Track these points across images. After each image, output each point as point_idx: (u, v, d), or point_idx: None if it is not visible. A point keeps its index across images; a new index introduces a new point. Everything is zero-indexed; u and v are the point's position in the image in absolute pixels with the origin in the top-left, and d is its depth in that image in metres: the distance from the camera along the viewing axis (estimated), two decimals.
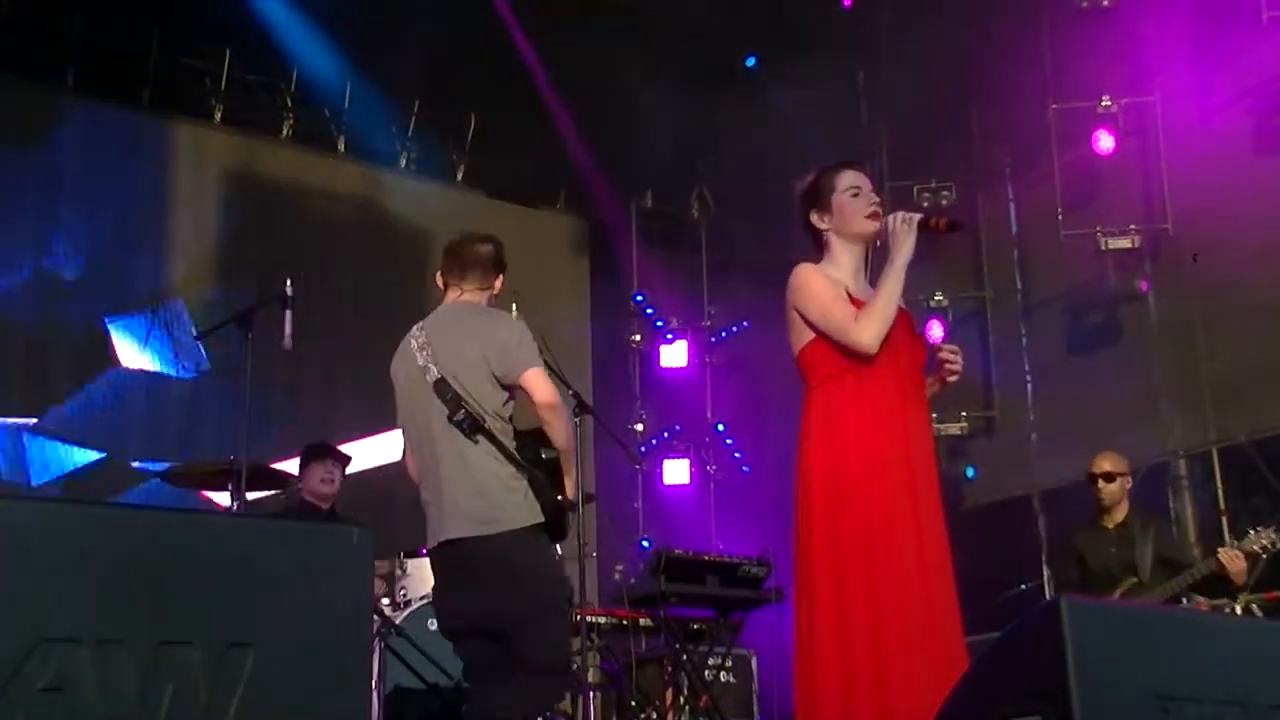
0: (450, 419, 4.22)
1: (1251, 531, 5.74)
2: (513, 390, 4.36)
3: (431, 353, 4.33)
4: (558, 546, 4.63)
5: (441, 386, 4.25)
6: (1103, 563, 6.11)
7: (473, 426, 4.21)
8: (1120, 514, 6.21)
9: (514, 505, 4.21)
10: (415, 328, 4.49)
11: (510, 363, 4.33)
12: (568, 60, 9.40)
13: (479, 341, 4.35)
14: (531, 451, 4.33)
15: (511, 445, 4.30)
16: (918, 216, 3.74)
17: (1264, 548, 5.68)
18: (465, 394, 4.24)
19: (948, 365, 3.84)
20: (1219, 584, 5.82)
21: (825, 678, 3.48)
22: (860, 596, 3.47)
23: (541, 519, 4.25)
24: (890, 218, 3.76)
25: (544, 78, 9.64)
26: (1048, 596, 8.11)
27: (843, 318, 3.67)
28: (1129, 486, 6.29)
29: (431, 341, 4.37)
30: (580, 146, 10.35)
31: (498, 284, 4.62)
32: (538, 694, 4.21)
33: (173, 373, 8.82)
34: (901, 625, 3.43)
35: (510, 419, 4.39)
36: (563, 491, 4.37)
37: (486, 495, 4.19)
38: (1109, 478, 6.20)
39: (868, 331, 3.63)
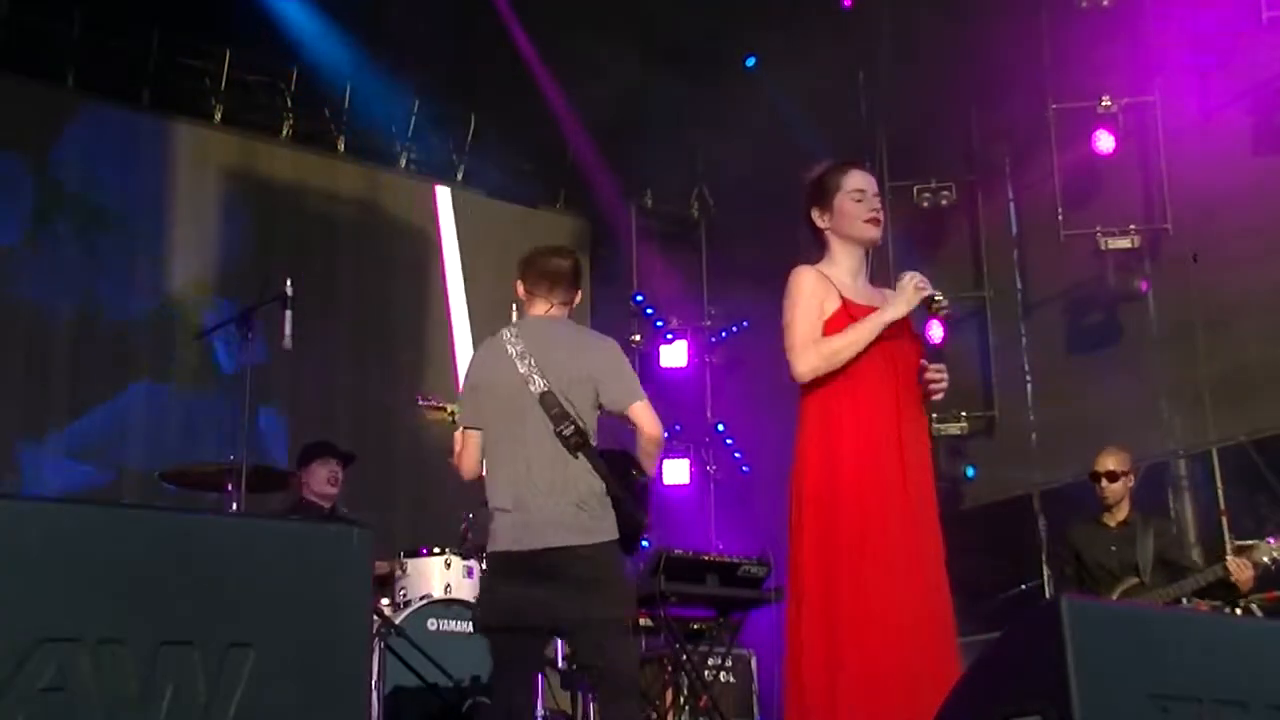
0: (558, 433, 4.24)
1: (1263, 542, 5.73)
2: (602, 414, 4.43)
3: (534, 363, 4.32)
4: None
5: (549, 399, 4.27)
6: (1102, 561, 6.08)
7: (579, 443, 4.26)
8: (1122, 512, 6.17)
9: (606, 519, 4.27)
10: (506, 333, 4.45)
11: (617, 392, 4.39)
12: (568, 60, 9.40)
13: (586, 363, 4.39)
14: (622, 471, 4.38)
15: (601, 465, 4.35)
16: (928, 291, 3.72)
17: (1274, 560, 5.67)
18: (573, 410, 4.28)
19: (932, 386, 3.81)
20: (1224, 590, 5.81)
21: (812, 680, 3.49)
22: (848, 602, 3.48)
23: (617, 535, 4.30)
24: (907, 275, 3.76)
25: (544, 77, 9.64)
26: (1048, 596, 8.12)
27: (800, 335, 3.70)
28: (1132, 485, 6.25)
29: (532, 352, 4.35)
30: (580, 146, 10.37)
31: (578, 298, 4.66)
32: (624, 700, 4.30)
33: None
34: (888, 634, 3.43)
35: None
36: (647, 514, 4.45)
37: (586, 508, 4.24)
38: (1113, 476, 6.16)
39: (805, 363, 3.68)
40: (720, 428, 10.53)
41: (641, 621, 6.59)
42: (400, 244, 10.15)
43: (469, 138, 10.44)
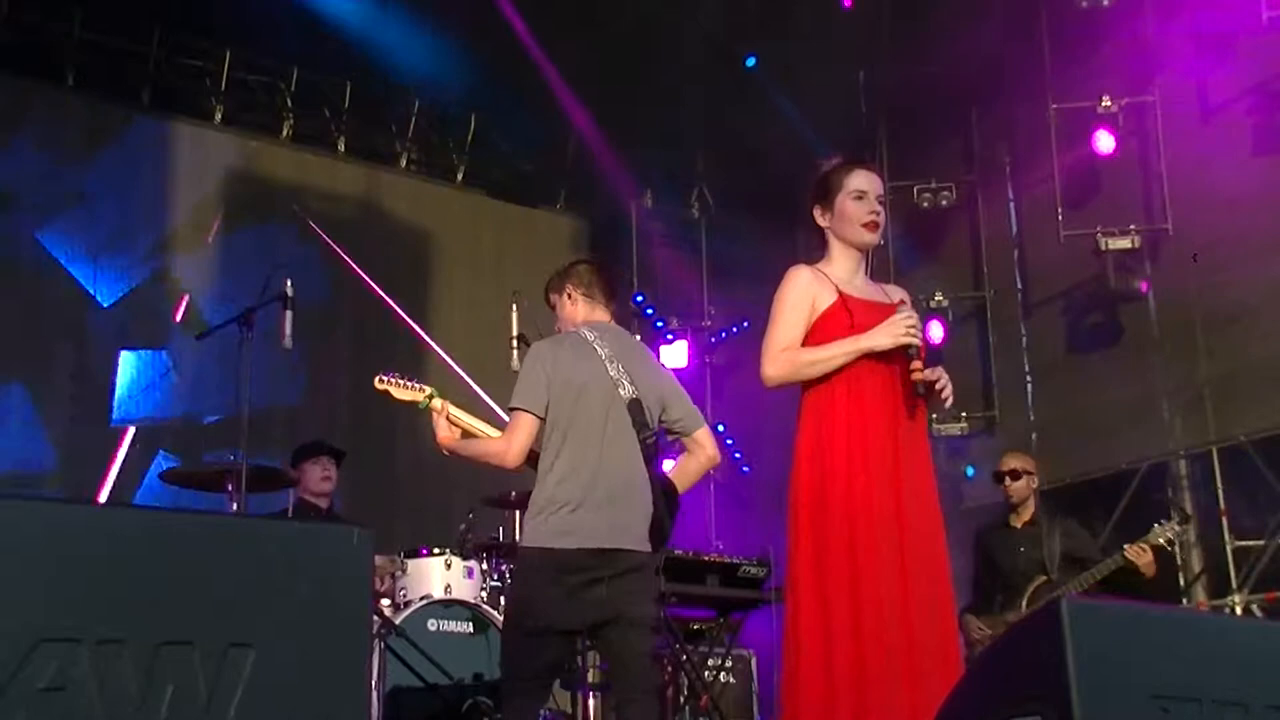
0: (642, 440, 4.32)
1: (1155, 525, 5.85)
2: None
3: (622, 369, 4.36)
4: None
5: (636, 407, 4.33)
6: (1013, 563, 6.12)
7: (653, 454, 4.36)
8: (1027, 513, 6.27)
9: (648, 530, 4.34)
10: (588, 332, 4.45)
11: (686, 413, 4.52)
12: (568, 60, 9.40)
13: (660, 381, 4.51)
14: (668, 490, 4.45)
15: None
16: (914, 342, 3.64)
17: (1168, 540, 5.81)
18: (651, 420, 4.38)
19: (943, 394, 3.71)
20: (1129, 578, 5.85)
21: (809, 685, 3.49)
22: (844, 603, 3.48)
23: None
24: (904, 311, 3.69)
25: (545, 77, 9.64)
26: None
27: (776, 340, 3.73)
28: (1035, 485, 6.36)
29: (618, 358, 4.39)
30: (585, 144, 10.36)
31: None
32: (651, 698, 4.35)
33: None
34: (883, 647, 3.43)
35: None
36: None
37: (648, 518, 4.30)
38: (1015, 475, 6.27)
39: (774, 368, 3.72)
40: (720, 428, 10.52)
41: None
42: (400, 244, 10.15)
43: (469, 138, 10.44)
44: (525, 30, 9.27)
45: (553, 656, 4.23)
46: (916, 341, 3.66)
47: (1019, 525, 6.25)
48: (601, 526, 4.17)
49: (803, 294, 3.75)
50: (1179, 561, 6.80)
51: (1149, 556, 5.78)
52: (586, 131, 10.18)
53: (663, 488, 4.39)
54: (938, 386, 3.69)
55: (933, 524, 3.64)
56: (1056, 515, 6.36)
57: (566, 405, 4.30)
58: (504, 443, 4.34)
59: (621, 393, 4.31)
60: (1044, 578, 5.99)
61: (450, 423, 4.78)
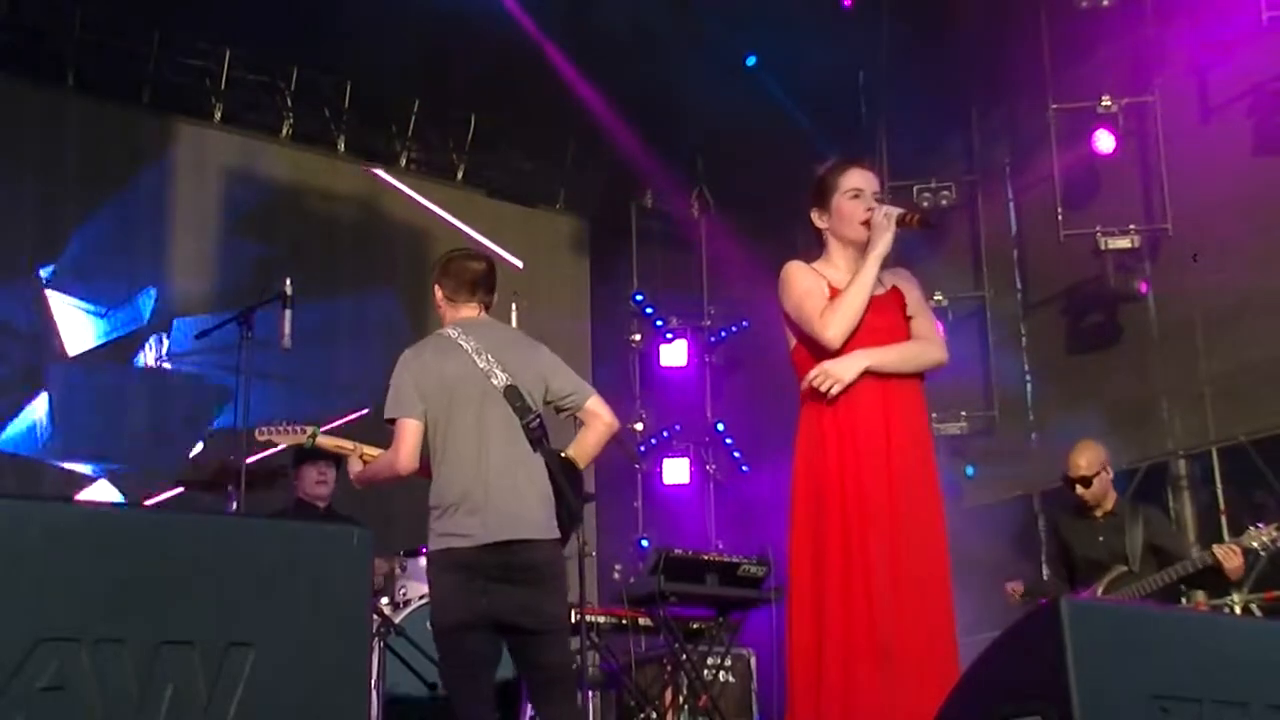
0: (525, 425, 4.29)
1: (1251, 528, 5.63)
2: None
3: (491, 359, 4.35)
4: None
5: (513, 393, 4.30)
6: (1089, 553, 5.99)
7: (540, 436, 4.32)
8: (1109, 503, 6.06)
9: (553, 516, 4.31)
10: (452, 330, 4.44)
11: (572, 386, 4.49)
12: (569, 60, 9.41)
13: (536, 361, 4.47)
14: (568, 468, 4.41)
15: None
16: (897, 212, 3.74)
17: (1263, 545, 5.57)
18: (533, 404, 4.34)
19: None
20: (1214, 578, 5.75)
21: (802, 679, 3.52)
22: (836, 599, 3.49)
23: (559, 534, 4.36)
24: (875, 211, 3.77)
25: (545, 77, 9.63)
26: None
27: (812, 311, 3.70)
28: (1110, 478, 6.11)
29: (486, 349, 4.37)
30: (584, 144, 10.35)
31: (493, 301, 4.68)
32: (572, 701, 4.36)
33: None
34: (871, 635, 3.43)
35: None
36: (582, 508, 4.49)
37: (546, 503, 4.28)
38: (1085, 482, 6.00)
39: (832, 325, 3.66)
40: (720, 427, 10.52)
41: (641, 621, 6.60)
42: (400, 243, 10.15)
43: (469, 137, 10.44)
44: (524, 29, 9.26)
45: (474, 648, 4.23)
46: (899, 210, 3.76)
47: (1099, 516, 6.02)
48: (493, 520, 4.19)
49: (809, 275, 3.78)
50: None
51: (1238, 560, 5.53)
52: (587, 130, 10.17)
53: (561, 467, 4.35)
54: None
55: (930, 519, 3.64)
56: (1140, 506, 6.15)
57: (441, 406, 4.33)
58: (391, 453, 4.37)
59: (494, 382, 4.30)
60: (1124, 568, 5.83)
61: (360, 458, 4.77)
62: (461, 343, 4.38)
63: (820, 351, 3.70)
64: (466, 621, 4.17)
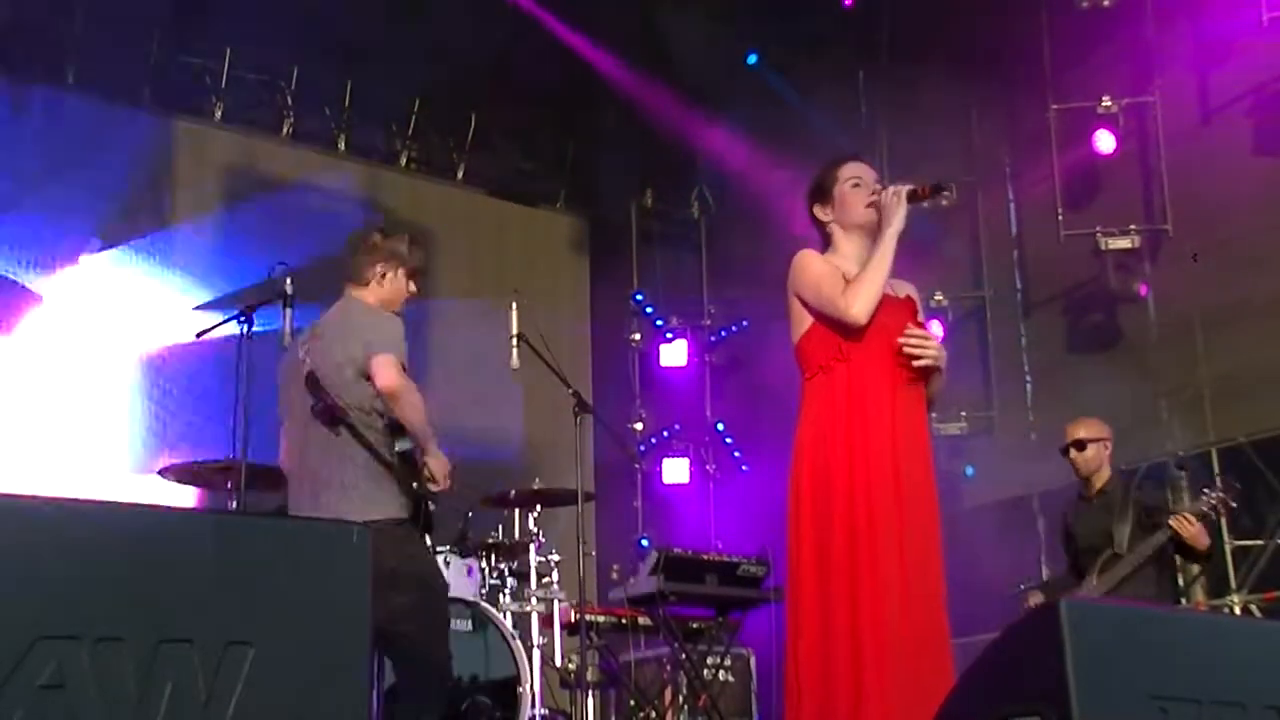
0: (312, 409, 4.32)
1: (1203, 493, 5.73)
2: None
3: (309, 348, 4.44)
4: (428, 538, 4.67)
5: (311, 379, 4.35)
6: (1087, 537, 6.01)
7: (332, 419, 4.29)
8: (1100, 481, 6.07)
9: (378, 498, 4.26)
10: (310, 323, 4.59)
11: (364, 351, 4.40)
12: (568, 59, 9.40)
13: (345, 339, 4.46)
14: (389, 443, 4.36)
15: (378, 438, 4.34)
16: (906, 188, 3.76)
17: (1211, 507, 5.66)
18: (333, 387, 4.32)
19: (912, 351, 3.72)
20: (1185, 553, 5.79)
21: (809, 674, 3.50)
22: (844, 599, 3.49)
23: (405, 514, 4.27)
24: (883, 192, 3.78)
25: (545, 77, 9.63)
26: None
27: (833, 291, 3.70)
28: (1108, 454, 6.14)
29: (311, 336, 4.52)
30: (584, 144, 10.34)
31: (385, 278, 4.61)
32: (426, 698, 4.29)
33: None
34: (881, 633, 3.44)
35: (381, 413, 4.41)
36: (419, 480, 4.37)
37: (352, 487, 4.26)
38: (1080, 445, 6.06)
39: (856, 303, 3.66)
40: (720, 427, 10.52)
41: (640, 620, 6.60)
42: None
43: (469, 136, 10.44)
44: (523, 28, 9.25)
45: None
46: (911, 185, 3.76)
47: (1090, 495, 6.08)
48: (305, 508, 4.25)
49: (824, 261, 3.78)
50: (1178, 562, 6.75)
51: (1195, 527, 5.59)
52: (587, 130, 10.16)
53: (397, 451, 4.34)
54: (913, 351, 3.71)
55: (930, 517, 3.66)
56: (1132, 483, 6.24)
57: (282, 404, 4.52)
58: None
59: (303, 370, 4.37)
60: (1111, 550, 5.84)
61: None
62: (302, 333, 4.59)
63: (838, 334, 3.69)
64: None
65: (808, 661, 3.51)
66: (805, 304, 3.77)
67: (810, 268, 3.78)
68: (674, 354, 10.56)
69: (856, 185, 3.84)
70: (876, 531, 3.51)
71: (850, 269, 3.78)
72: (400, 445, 4.37)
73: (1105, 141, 8.55)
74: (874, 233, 3.81)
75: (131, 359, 8.85)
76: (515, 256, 10.43)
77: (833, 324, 3.71)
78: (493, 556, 6.29)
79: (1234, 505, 5.74)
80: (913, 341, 3.71)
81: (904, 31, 8.97)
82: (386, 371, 4.34)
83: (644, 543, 9.87)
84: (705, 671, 6.50)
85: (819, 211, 3.90)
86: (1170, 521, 5.66)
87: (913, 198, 3.74)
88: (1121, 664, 2.30)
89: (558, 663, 6.43)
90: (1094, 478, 6.10)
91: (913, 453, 3.66)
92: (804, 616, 3.55)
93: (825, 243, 3.91)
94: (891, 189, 3.77)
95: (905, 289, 3.92)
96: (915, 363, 3.72)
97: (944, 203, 3.79)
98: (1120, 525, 5.85)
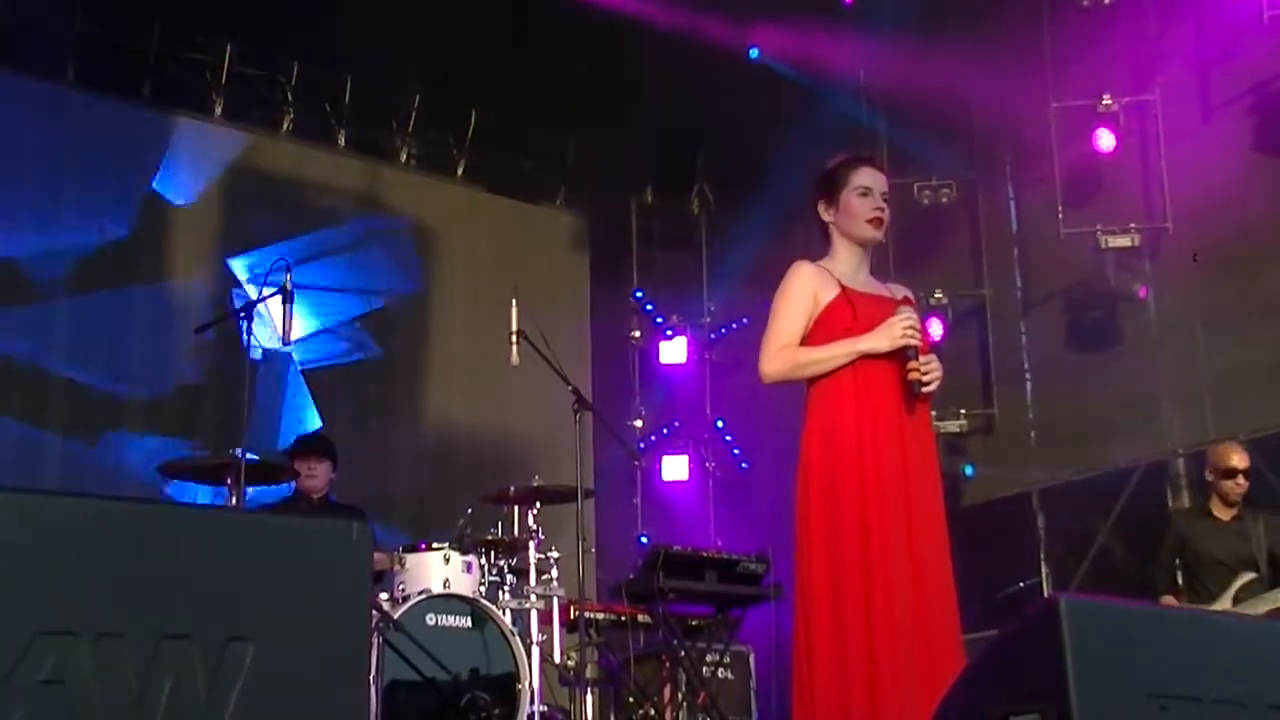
0: None
1: None
2: None
3: None
4: None
5: None
6: (1215, 553, 6.01)
7: None
8: (1237, 507, 6.16)
9: None
10: None
11: None
12: (569, 58, 9.41)
13: None
14: None
15: None
16: (912, 342, 3.65)
17: None
18: None
19: (923, 379, 3.69)
20: None
21: (823, 675, 3.49)
22: (857, 596, 3.49)
23: None
24: (903, 312, 3.71)
25: (546, 78, 9.63)
26: (1046, 594, 8.11)
27: (776, 336, 3.73)
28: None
29: None
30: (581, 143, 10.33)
31: None
32: None
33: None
34: (894, 630, 3.44)
35: None
36: None
37: None
38: (1248, 474, 6.15)
39: (772, 366, 3.74)
40: (719, 424, 10.53)
41: (640, 618, 6.60)
42: (400, 239, 10.15)
43: (470, 133, 10.44)
44: (524, 29, 9.24)
45: None
46: (915, 342, 3.67)
47: (1226, 518, 6.14)
48: None
49: (804, 290, 3.76)
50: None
51: None
52: (587, 130, 10.13)
53: None
54: (925, 378, 3.68)
55: (937, 511, 3.68)
56: (1260, 511, 6.24)
57: None
58: None
59: None
60: (1254, 574, 5.89)
61: None
62: None
63: (842, 339, 3.69)
64: None
65: (822, 659, 3.50)
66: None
67: (787, 291, 3.77)
68: (674, 351, 10.57)
69: (864, 194, 3.81)
70: (888, 528, 3.52)
71: (847, 274, 3.79)
72: None
73: (1105, 140, 8.55)
74: (869, 246, 3.82)
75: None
76: (515, 254, 10.42)
77: (836, 330, 3.71)
78: (492, 553, 6.29)
79: None
80: (925, 369, 3.68)
81: (904, 30, 8.96)
82: None
83: (643, 539, 9.88)
84: (704, 669, 6.50)
85: (822, 208, 3.89)
86: None
87: (902, 351, 3.65)
88: (1121, 663, 2.30)
89: (557, 659, 6.43)
90: (1238, 505, 6.18)
91: (920, 451, 3.67)
92: (816, 615, 3.54)
93: (825, 238, 3.90)
94: (907, 321, 3.67)
95: (902, 291, 3.92)
96: (924, 389, 3.69)
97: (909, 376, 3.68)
98: (1259, 551, 5.95)
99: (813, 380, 3.74)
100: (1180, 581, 6.13)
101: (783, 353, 3.70)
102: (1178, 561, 6.18)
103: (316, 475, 6.70)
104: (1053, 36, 8.83)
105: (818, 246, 3.91)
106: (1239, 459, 6.21)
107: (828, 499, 3.60)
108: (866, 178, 3.83)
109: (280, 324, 5.63)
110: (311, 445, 6.87)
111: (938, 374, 3.74)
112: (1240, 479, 6.15)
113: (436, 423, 9.89)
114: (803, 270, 3.80)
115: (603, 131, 10.03)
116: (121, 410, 8.69)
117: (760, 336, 3.85)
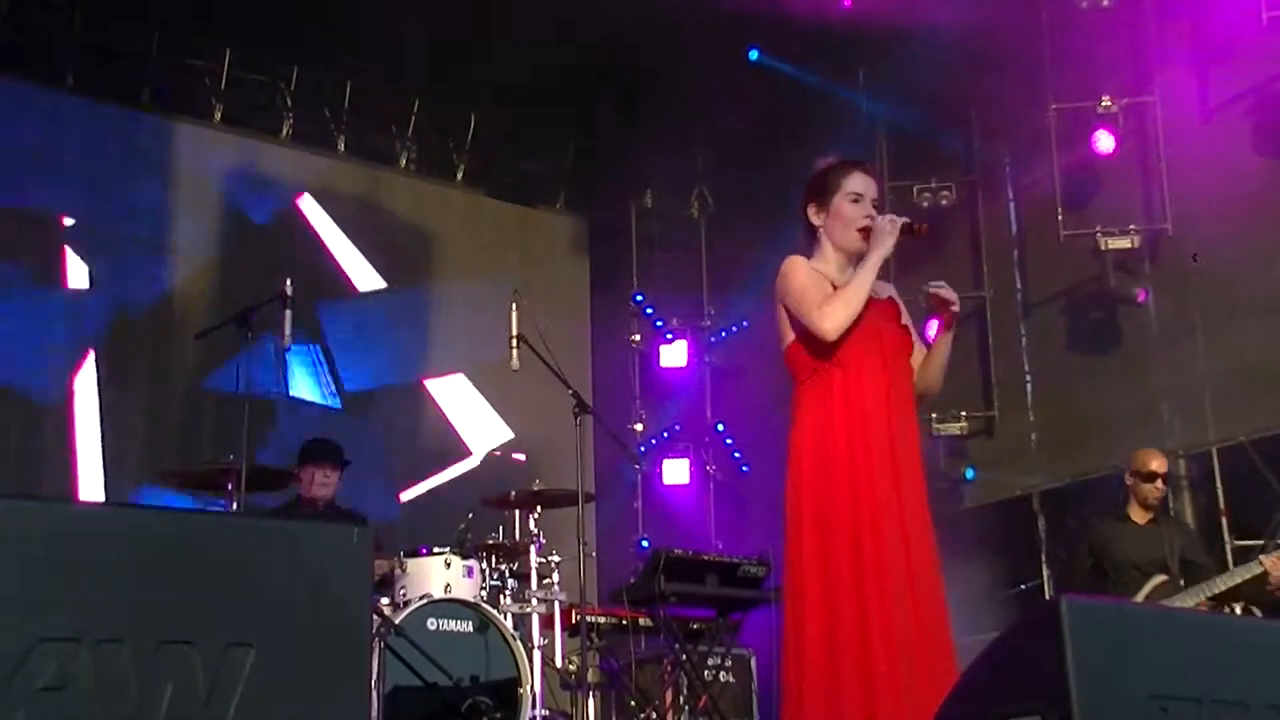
0: None
1: None
2: None
3: None
4: None
5: None
6: (1130, 557, 6.09)
7: None
8: (1154, 511, 6.30)
9: None
10: None
11: None
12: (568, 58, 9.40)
13: None
14: None
15: None
16: (903, 220, 3.74)
17: None
18: None
19: (942, 295, 3.81)
20: (1254, 590, 5.81)
21: (813, 677, 3.49)
22: (849, 595, 3.48)
23: None
24: (879, 219, 3.77)
25: (546, 78, 9.63)
26: (1047, 596, 8.11)
27: (811, 302, 3.68)
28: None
29: None
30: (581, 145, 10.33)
31: None
32: None
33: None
34: (888, 627, 3.43)
35: None
36: None
37: None
38: (1164, 479, 6.30)
39: (830, 318, 3.65)
40: (720, 427, 10.52)
41: (641, 621, 6.60)
42: (400, 243, 10.15)
43: (469, 137, 10.44)
44: (524, 27, 9.24)
45: None
46: (905, 219, 3.75)
47: (1142, 522, 6.27)
48: None
49: (811, 270, 3.77)
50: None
51: None
52: (587, 130, 10.13)
53: None
54: (943, 295, 3.79)
55: (926, 515, 3.66)
56: (1170, 516, 6.44)
57: None
58: None
59: None
60: (1164, 577, 5.96)
61: None
62: None
63: (817, 348, 3.69)
64: None
65: (812, 664, 3.49)
66: (789, 311, 3.77)
67: (795, 276, 3.75)
68: (674, 355, 10.56)
69: (856, 201, 3.80)
70: (881, 531, 3.51)
71: (834, 275, 3.79)
72: None
73: (1105, 141, 8.54)
74: (856, 256, 3.81)
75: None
76: (515, 257, 10.43)
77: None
78: (493, 557, 6.29)
79: None
80: (943, 289, 3.80)
81: (904, 31, 8.96)
82: None
83: (644, 543, 9.88)
84: (706, 672, 6.49)
85: (812, 212, 3.87)
86: (1263, 559, 5.74)
87: (907, 230, 3.72)
88: (1121, 663, 2.30)
89: (558, 663, 6.43)
90: (1152, 507, 6.32)
91: (909, 452, 3.67)
92: (807, 620, 3.53)
93: (813, 241, 3.89)
94: (889, 217, 3.75)
95: (887, 290, 3.92)
96: (952, 307, 3.80)
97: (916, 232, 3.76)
98: (1171, 553, 6.05)
99: (801, 383, 3.74)
100: (1096, 584, 6.19)
101: (829, 303, 3.68)
102: (1092, 565, 6.26)
103: (331, 484, 6.68)
104: (1052, 37, 8.82)
105: (809, 248, 3.91)
106: (1158, 463, 6.36)
107: (819, 503, 3.59)
108: (858, 183, 3.82)
109: (281, 329, 5.63)
110: (326, 452, 6.80)
111: (949, 290, 3.84)
112: (1159, 483, 6.31)
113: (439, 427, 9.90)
114: (800, 261, 3.81)
115: (603, 133, 10.04)
116: None
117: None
